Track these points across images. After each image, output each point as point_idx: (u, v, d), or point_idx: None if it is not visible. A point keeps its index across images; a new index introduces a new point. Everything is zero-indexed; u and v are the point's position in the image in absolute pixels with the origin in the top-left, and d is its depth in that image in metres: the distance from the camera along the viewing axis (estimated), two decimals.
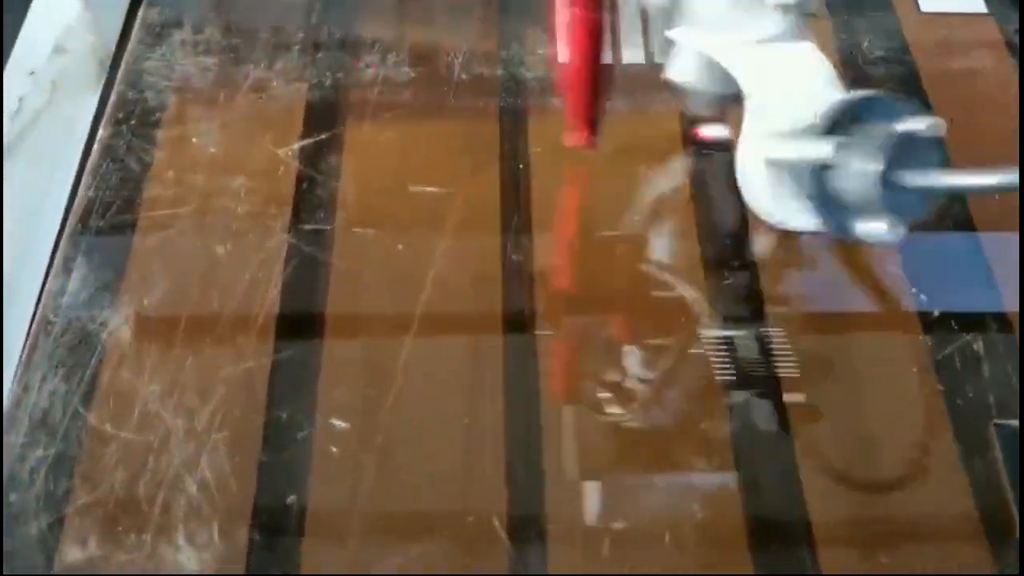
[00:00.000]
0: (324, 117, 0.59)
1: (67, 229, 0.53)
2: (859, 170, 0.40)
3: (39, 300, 0.51)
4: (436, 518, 0.45)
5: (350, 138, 0.58)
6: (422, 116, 0.59)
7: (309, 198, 0.55)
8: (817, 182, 0.41)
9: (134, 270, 0.52)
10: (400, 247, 0.53)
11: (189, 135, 0.57)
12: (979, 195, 0.55)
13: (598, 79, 0.51)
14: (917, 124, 0.39)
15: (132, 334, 0.49)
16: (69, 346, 0.49)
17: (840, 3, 0.67)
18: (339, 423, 0.47)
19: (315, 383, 0.48)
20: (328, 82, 0.60)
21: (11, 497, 0.44)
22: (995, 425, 0.47)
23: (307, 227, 0.54)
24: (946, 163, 0.41)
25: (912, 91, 0.61)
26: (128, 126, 0.57)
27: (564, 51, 0.50)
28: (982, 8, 0.67)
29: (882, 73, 0.62)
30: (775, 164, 0.43)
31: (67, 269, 0.51)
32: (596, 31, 0.49)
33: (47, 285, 0.51)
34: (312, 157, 0.57)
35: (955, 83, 0.62)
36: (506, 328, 0.51)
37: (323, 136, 0.58)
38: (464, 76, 0.61)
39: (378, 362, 0.49)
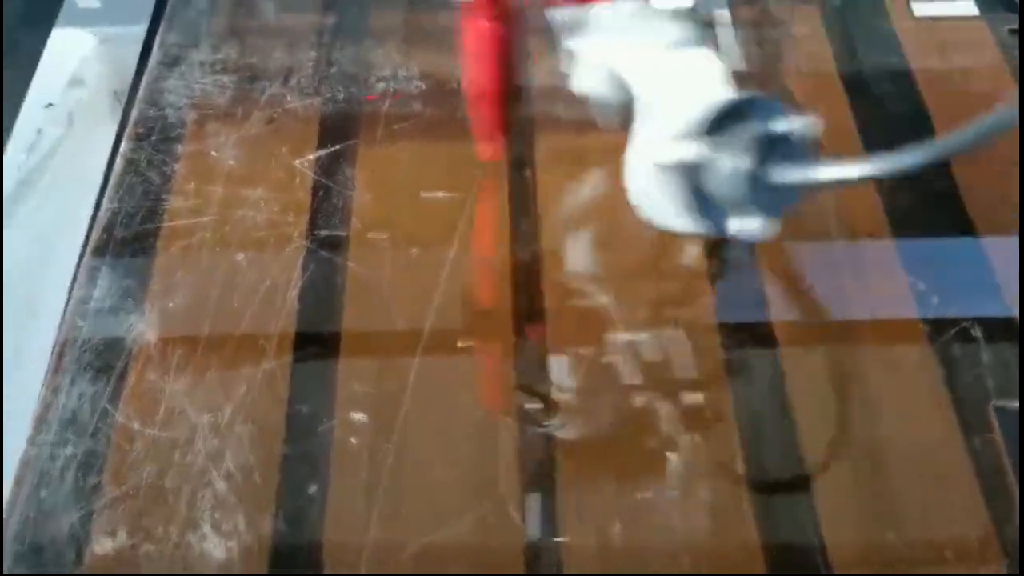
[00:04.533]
0: (338, 130, 0.61)
1: (92, 240, 0.55)
2: (728, 169, 0.41)
3: (66, 308, 0.53)
4: (454, 506, 0.46)
5: (363, 149, 0.60)
6: (432, 127, 0.61)
7: (325, 206, 0.57)
8: (692, 183, 0.42)
9: (157, 277, 0.54)
10: (414, 251, 0.55)
11: (208, 149, 0.59)
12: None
13: (507, 89, 0.53)
14: (791, 124, 0.41)
15: (157, 337, 0.51)
16: (96, 350, 0.51)
17: (835, 11, 0.68)
18: (358, 416, 0.48)
19: (334, 380, 0.50)
20: (341, 96, 0.62)
21: (42, 493, 0.46)
22: (995, 408, 0.49)
23: (323, 233, 0.55)
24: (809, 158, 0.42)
25: (908, 95, 0.63)
26: (149, 141, 0.59)
27: (472, 63, 0.51)
28: (974, 11, 0.69)
29: (878, 78, 0.64)
30: (656, 166, 0.43)
31: (93, 278, 0.53)
32: (501, 41, 0.50)
33: (73, 293, 0.53)
34: (327, 168, 0.59)
35: (951, 85, 0.64)
36: (516, 328, 0.53)
37: (337, 147, 0.59)
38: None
39: (394, 359, 0.51)
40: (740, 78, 0.62)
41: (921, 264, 0.55)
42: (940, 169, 0.58)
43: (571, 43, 0.49)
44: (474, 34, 0.50)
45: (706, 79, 0.45)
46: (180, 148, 0.59)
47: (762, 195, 0.41)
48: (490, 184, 0.58)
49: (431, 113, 0.62)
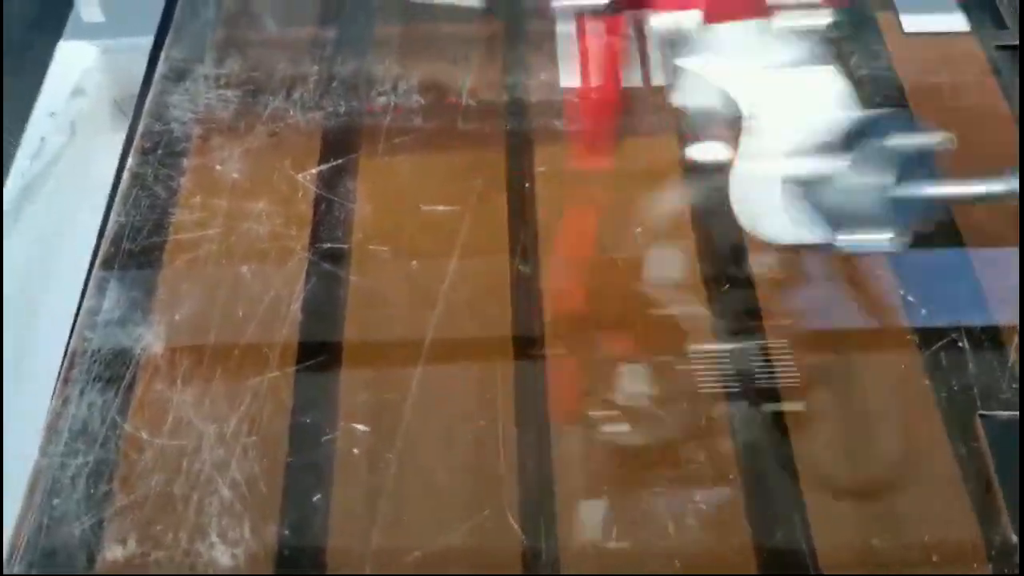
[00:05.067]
0: (340, 143, 0.62)
1: (100, 253, 0.56)
2: (869, 184, 0.42)
3: (75, 320, 0.54)
4: (455, 513, 0.47)
5: (364, 162, 0.61)
6: (432, 140, 0.63)
7: (327, 219, 0.58)
8: (814, 196, 0.43)
9: (164, 290, 0.55)
10: (414, 263, 0.56)
11: (213, 163, 0.60)
12: (976, 204, 0.56)
13: (621, 103, 0.54)
14: (930, 139, 0.42)
15: (163, 349, 0.52)
16: (105, 361, 0.52)
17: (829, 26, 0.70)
18: (360, 426, 0.50)
19: (337, 390, 0.51)
20: (343, 110, 0.63)
21: (54, 501, 0.47)
22: (980, 416, 0.50)
23: (326, 246, 0.57)
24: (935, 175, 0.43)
25: (898, 106, 0.64)
26: (155, 156, 0.61)
27: (590, 77, 0.53)
28: (964, 27, 0.70)
29: (869, 92, 0.65)
30: (782, 180, 0.45)
31: (101, 290, 0.55)
32: (615, 56, 0.52)
33: (83, 305, 0.54)
34: (329, 181, 0.60)
35: (938, 97, 0.65)
36: (515, 336, 0.54)
37: (339, 161, 0.61)
38: (471, 102, 0.64)
39: (396, 369, 0.52)
40: None
41: (911, 276, 0.56)
42: None
43: (679, 59, 0.50)
44: (594, 48, 0.51)
45: (825, 96, 0.46)
46: (185, 162, 0.61)
47: (894, 208, 0.42)
48: None
49: (431, 126, 0.63)
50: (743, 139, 0.47)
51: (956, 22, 0.71)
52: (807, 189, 0.43)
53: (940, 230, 0.58)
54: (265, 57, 0.67)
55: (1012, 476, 0.48)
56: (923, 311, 0.54)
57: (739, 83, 0.48)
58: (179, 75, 0.65)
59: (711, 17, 0.47)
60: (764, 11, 0.46)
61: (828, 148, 0.43)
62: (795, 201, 0.44)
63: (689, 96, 0.52)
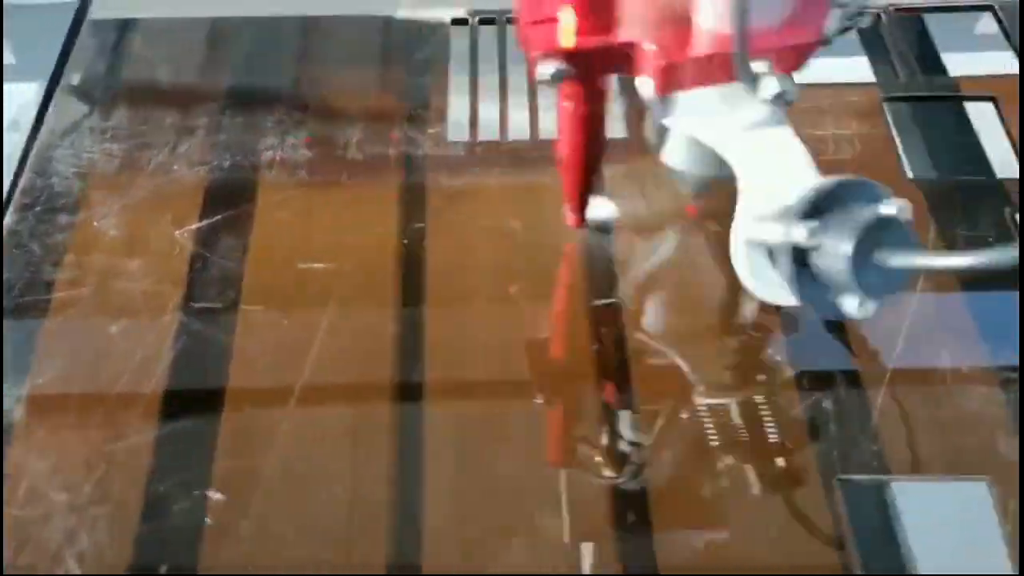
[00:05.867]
0: (222, 199, 0.62)
1: None
2: (831, 251, 0.43)
3: None
4: None
5: (246, 218, 0.61)
6: (318, 195, 0.62)
7: (203, 277, 0.58)
8: (794, 262, 0.45)
9: (32, 351, 0.54)
10: (285, 322, 0.56)
11: (91, 219, 0.60)
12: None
13: (591, 167, 0.56)
14: (887, 209, 0.43)
15: (24, 413, 0.52)
16: None
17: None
18: (216, 495, 0.49)
19: (198, 455, 0.51)
20: (227, 164, 0.63)
21: None
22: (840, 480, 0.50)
23: (197, 305, 0.56)
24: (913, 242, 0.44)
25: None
26: (33, 212, 0.60)
27: (562, 141, 0.54)
28: (869, 77, 0.71)
29: None
30: (759, 244, 0.47)
31: None
32: (589, 123, 0.53)
33: None
34: (207, 238, 0.60)
35: (827, 149, 0.65)
36: (393, 397, 0.54)
37: (219, 217, 0.60)
38: (360, 156, 0.64)
39: (259, 434, 0.52)
40: None
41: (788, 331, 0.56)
42: None
43: (664, 119, 0.51)
44: (565, 114, 0.52)
45: (795, 160, 0.47)
46: (64, 219, 0.60)
47: (869, 275, 0.43)
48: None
49: (316, 181, 0.63)
50: (739, 200, 0.48)
51: (859, 70, 0.71)
52: (789, 254, 0.45)
53: None
54: (155, 110, 0.67)
55: (869, 542, 0.48)
56: (795, 369, 0.54)
57: (727, 143, 0.49)
58: (65, 128, 0.65)
59: (679, 83, 0.48)
60: (728, 76, 0.47)
61: (800, 214, 0.44)
62: (777, 265, 0.46)
63: (677, 156, 0.54)
